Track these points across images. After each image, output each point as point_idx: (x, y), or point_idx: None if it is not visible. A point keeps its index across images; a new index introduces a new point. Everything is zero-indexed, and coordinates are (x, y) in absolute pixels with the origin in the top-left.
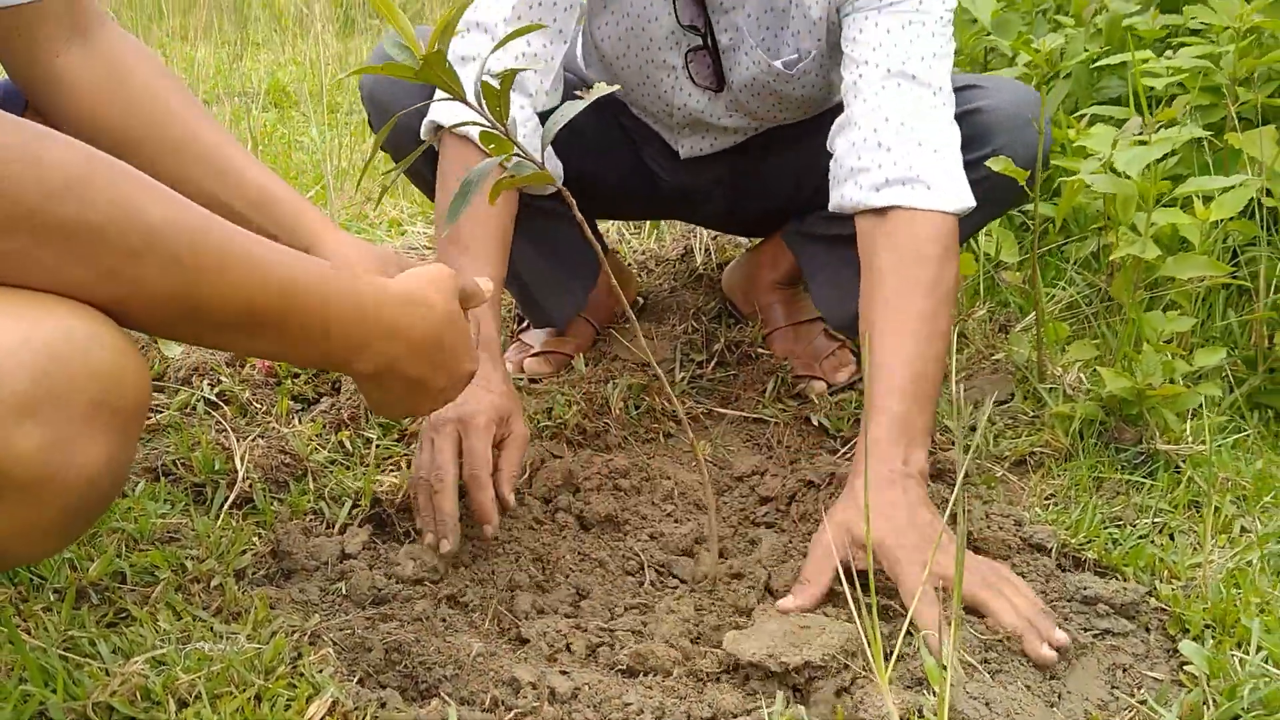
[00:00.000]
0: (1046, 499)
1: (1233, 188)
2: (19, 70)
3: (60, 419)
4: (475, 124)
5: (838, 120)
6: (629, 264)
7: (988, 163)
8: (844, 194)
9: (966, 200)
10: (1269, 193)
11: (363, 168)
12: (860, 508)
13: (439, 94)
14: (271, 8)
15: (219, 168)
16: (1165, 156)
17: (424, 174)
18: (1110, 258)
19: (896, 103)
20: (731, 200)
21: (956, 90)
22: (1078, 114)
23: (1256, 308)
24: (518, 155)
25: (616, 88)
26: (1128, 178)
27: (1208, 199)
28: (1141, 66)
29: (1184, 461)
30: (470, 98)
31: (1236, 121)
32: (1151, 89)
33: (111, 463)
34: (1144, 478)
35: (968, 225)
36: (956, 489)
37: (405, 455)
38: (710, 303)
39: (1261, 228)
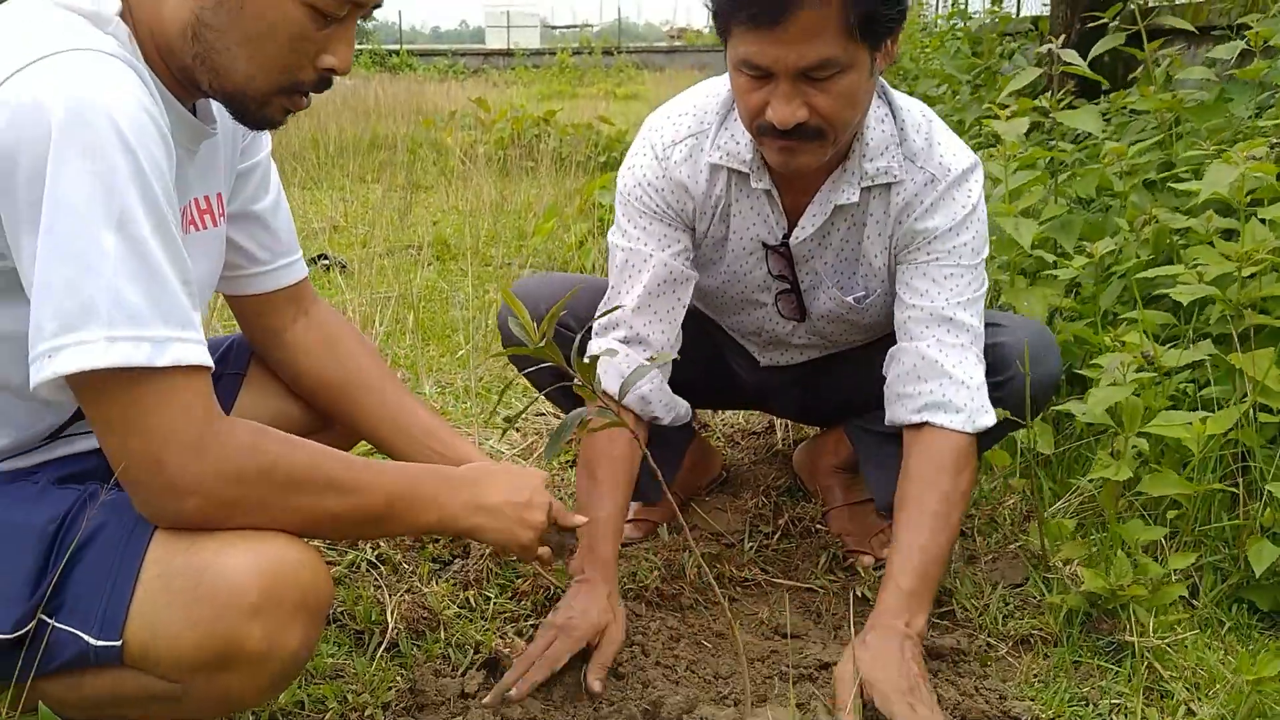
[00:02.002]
0: (1034, 677)
1: (1207, 418)
2: (255, 335)
3: (276, 618)
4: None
5: (890, 350)
6: (716, 438)
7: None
8: (893, 413)
9: (983, 422)
10: (1268, 409)
11: (494, 404)
12: (863, 657)
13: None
14: (438, 146)
15: (397, 408)
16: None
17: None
18: (1088, 477)
19: (934, 342)
20: (802, 401)
21: (985, 326)
22: (1123, 317)
23: (1240, 514)
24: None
25: (675, 356)
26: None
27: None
28: (1176, 289)
29: (1147, 651)
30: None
31: (1238, 341)
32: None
33: (308, 641)
34: (1114, 664)
35: (988, 437)
36: None
37: (518, 611)
38: (782, 478)
39: (1268, 440)
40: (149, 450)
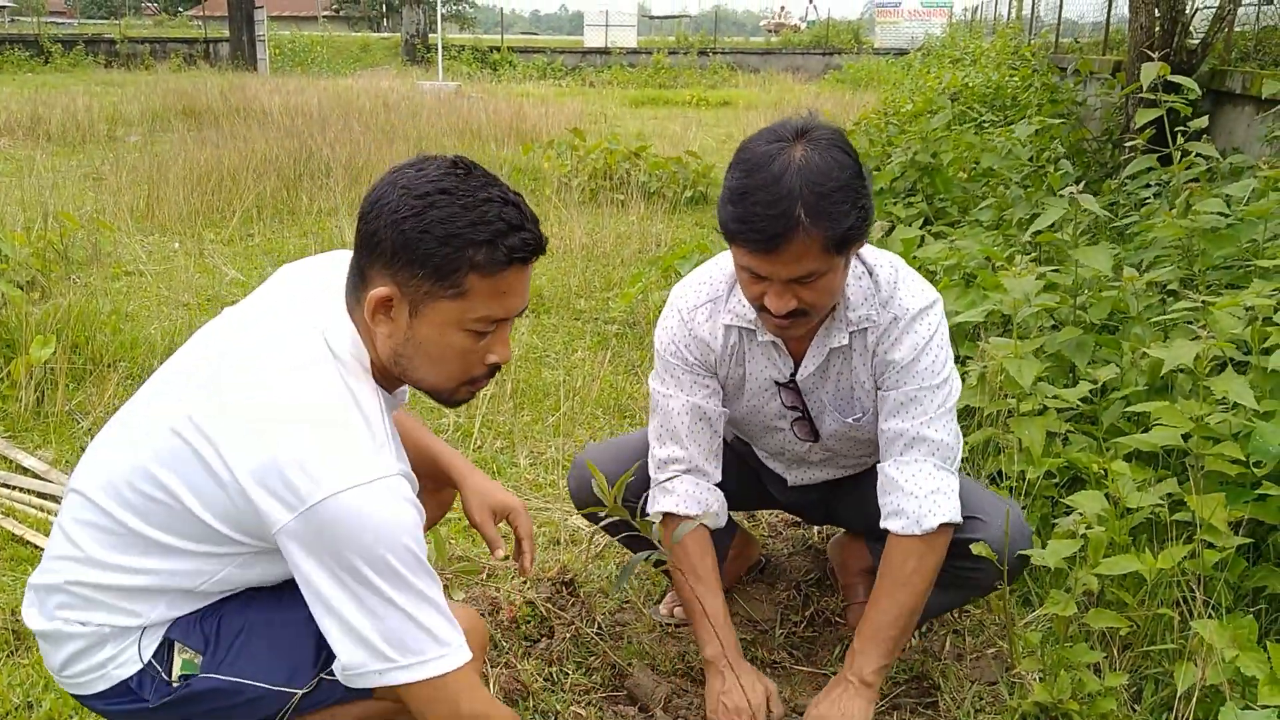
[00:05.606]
0: None
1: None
2: None
3: (478, 659)
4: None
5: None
6: (761, 528)
7: (972, 548)
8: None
9: (928, 524)
10: (1212, 545)
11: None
12: (818, 702)
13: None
14: (536, 173)
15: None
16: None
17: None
18: (1037, 612)
19: (895, 460)
20: (826, 513)
21: (966, 519)
22: (1115, 440)
23: (1176, 640)
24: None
25: (713, 516)
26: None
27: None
28: (1152, 433)
29: None
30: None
31: (1194, 484)
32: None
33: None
34: None
35: (958, 596)
36: None
37: (589, 685)
38: (813, 571)
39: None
40: (456, 714)
